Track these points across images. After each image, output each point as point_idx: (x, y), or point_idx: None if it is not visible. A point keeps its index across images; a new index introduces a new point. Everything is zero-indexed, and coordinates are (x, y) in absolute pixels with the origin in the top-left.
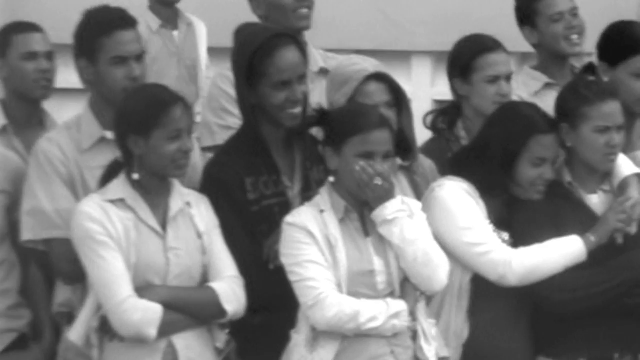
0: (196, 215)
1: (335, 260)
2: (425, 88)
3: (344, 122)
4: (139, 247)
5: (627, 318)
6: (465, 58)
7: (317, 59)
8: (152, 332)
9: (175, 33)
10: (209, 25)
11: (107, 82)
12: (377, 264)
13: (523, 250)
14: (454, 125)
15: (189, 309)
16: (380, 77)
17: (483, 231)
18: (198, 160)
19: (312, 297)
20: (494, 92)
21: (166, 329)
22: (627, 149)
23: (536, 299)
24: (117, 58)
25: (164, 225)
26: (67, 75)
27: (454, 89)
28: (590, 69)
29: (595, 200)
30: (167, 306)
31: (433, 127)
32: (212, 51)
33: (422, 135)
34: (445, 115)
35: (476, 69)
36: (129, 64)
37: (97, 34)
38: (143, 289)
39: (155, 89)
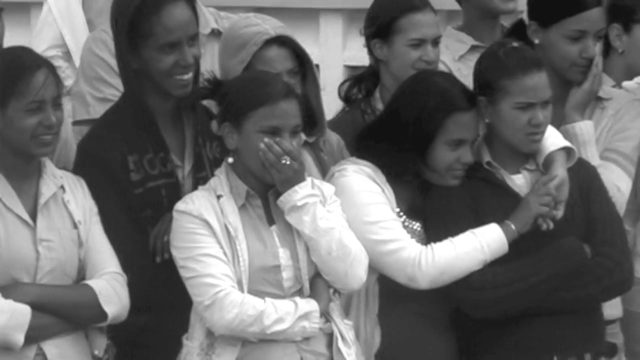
0: (71, 201)
1: (234, 254)
2: (336, 52)
3: (244, 93)
4: (4, 239)
5: (565, 315)
6: (386, 17)
7: (208, 18)
8: (19, 337)
9: None
10: None
11: None
12: (283, 257)
13: (434, 247)
14: (370, 94)
15: (63, 310)
16: (282, 41)
17: (390, 226)
18: (71, 136)
19: (210, 295)
20: (417, 57)
21: (36, 334)
22: (562, 122)
23: (453, 301)
24: None
25: (33, 213)
26: None
27: (371, 52)
28: (519, 28)
29: (520, 181)
30: (37, 307)
31: (347, 97)
32: None
33: (330, 106)
34: (361, 83)
35: (398, 30)
36: None
37: None
38: (8, 288)
39: (17, 51)
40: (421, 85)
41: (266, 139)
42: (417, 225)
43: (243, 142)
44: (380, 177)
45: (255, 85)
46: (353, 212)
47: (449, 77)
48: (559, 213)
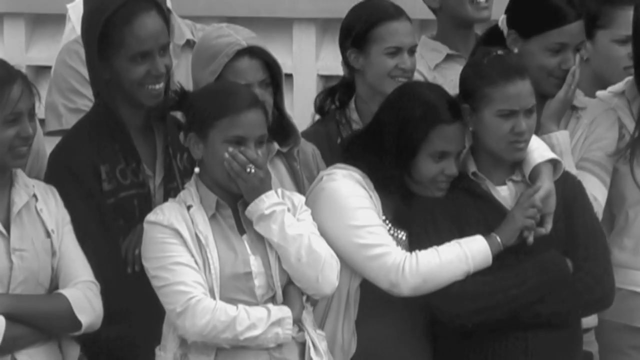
0: (44, 209)
1: (205, 262)
2: (309, 61)
3: (209, 103)
4: None
5: (541, 329)
6: (362, 26)
7: (184, 30)
8: None
9: None
10: None
11: None
12: (255, 264)
13: (418, 254)
14: (345, 105)
15: (37, 320)
16: (254, 52)
17: (376, 231)
18: (43, 146)
19: (182, 302)
20: (393, 66)
21: (9, 345)
22: (537, 132)
23: (431, 309)
24: None
25: (6, 223)
26: None
27: (346, 62)
28: (494, 35)
29: (505, 193)
30: (11, 318)
31: (321, 107)
32: None
33: (304, 115)
34: (335, 95)
35: (375, 39)
36: None
37: None
38: None
39: None
40: (406, 95)
41: (230, 149)
42: (402, 234)
43: (208, 152)
44: (369, 184)
45: (220, 95)
46: (340, 216)
47: (436, 88)
48: (548, 227)
